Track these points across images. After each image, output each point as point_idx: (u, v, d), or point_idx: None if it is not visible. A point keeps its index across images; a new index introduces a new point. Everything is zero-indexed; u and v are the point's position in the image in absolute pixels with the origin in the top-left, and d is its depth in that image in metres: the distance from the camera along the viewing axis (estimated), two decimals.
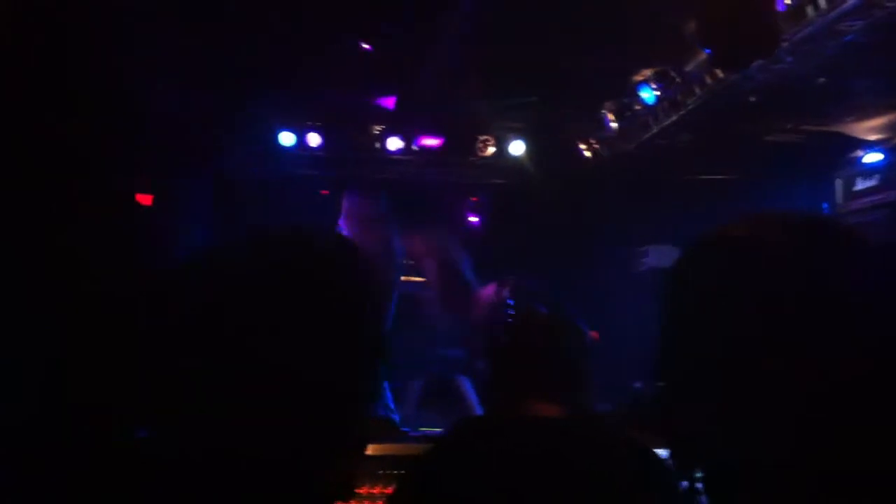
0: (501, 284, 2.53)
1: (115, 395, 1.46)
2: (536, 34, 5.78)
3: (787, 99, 6.01)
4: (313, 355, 1.06)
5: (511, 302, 2.32)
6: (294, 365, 1.05)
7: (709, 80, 6.20)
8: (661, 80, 6.58)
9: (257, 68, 5.97)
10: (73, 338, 1.53)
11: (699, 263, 1.13)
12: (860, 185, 6.40)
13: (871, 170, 6.30)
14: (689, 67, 6.32)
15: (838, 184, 6.55)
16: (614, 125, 7.15)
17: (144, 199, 6.01)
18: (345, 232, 4.05)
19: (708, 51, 5.37)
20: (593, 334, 2.35)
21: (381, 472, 3.49)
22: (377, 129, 7.45)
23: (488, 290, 2.56)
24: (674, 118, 6.67)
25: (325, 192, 7.67)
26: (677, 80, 6.43)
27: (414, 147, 7.51)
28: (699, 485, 1.09)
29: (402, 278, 7.53)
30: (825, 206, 6.50)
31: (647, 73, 6.46)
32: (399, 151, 7.50)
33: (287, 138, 7.29)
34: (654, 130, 6.88)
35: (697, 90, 6.32)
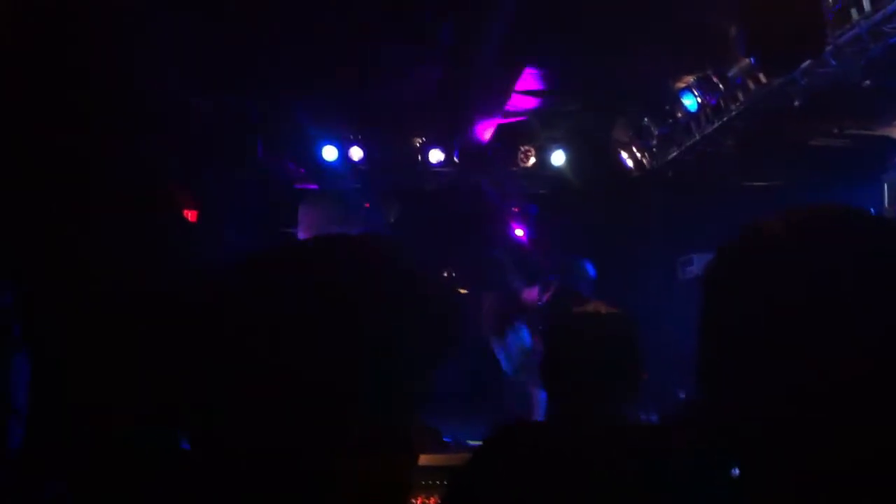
0: (545, 286, 2.53)
1: (124, 394, 1.48)
2: (577, 43, 5.77)
3: (832, 103, 5.92)
4: (312, 355, 1.06)
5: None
6: (294, 365, 1.05)
7: (752, 86, 6.14)
8: (703, 87, 6.53)
9: (300, 77, 6.01)
10: (86, 338, 1.55)
11: (734, 266, 1.11)
12: None
13: None
14: (731, 73, 6.27)
15: (886, 187, 6.45)
16: (656, 132, 7.10)
17: (191, 215, 6.07)
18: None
19: (752, 58, 5.33)
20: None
21: (423, 482, 3.48)
22: (418, 141, 7.48)
23: (532, 293, 2.56)
24: (717, 124, 6.61)
25: (367, 204, 7.71)
26: (720, 86, 6.38)
27: (455, 159, 7.52)
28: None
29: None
30: (872, 210, 6.39)
31: (689, 79, 6.42)
32: (440, 164, 7.52)
33: (330, 153, 7.34)
34: (697, 137, 6.83)
35: (741, 96, 6.26)
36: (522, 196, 7.95)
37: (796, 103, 5.86)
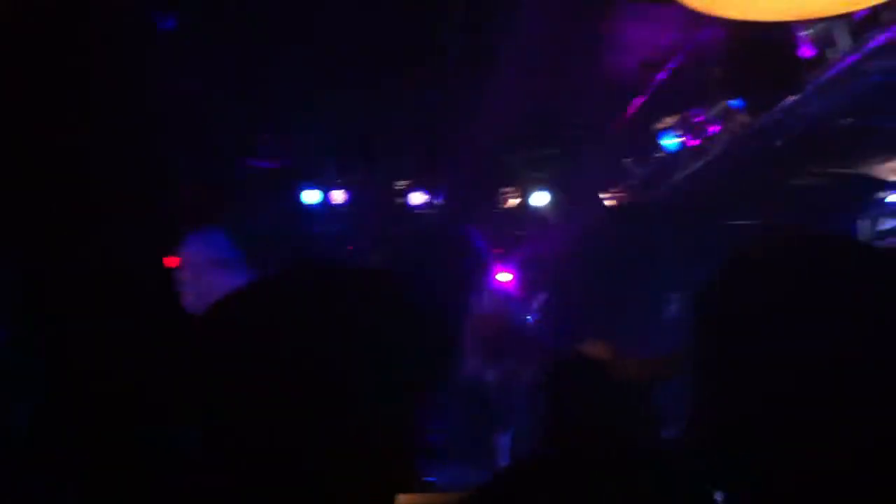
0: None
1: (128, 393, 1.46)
2: (554, 85, 5.83)
3: (813, 142, 5.99)
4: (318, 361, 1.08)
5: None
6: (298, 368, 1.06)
7: (732, 126, 6.21)
8: (683, 128, 6.59)
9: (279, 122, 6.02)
10: (91, 337, 1.54)
11: (723, 284, 1.15)
12: (885, 224, 6.38)
13: None
14: (711, 114, 6.33)
15: (862, 225, 6.52)
16: (638, 173, 7.15)
17: (172, 262, 6.00)
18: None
19: (732, 102, 5.40)
20: None
21: None
22: (400, 184, 7.50)
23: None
24: (697, 165, 6.67)
25: (350, 247, 7.70)
26: (699, 126, 6.45)
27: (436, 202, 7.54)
28: None
29: None
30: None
31: (669, 120, 6.48)
32: (423, 206, 7.53)
33: (312, 196, 7.33)
34: (678, 178, 6.87)
35: (721, 136, 6.32)
36: (505, 238, 7.98)
37: (777, 143, 5.93)
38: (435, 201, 7.50)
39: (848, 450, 0.99)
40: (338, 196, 7.37)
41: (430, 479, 5.14)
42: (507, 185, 7.59)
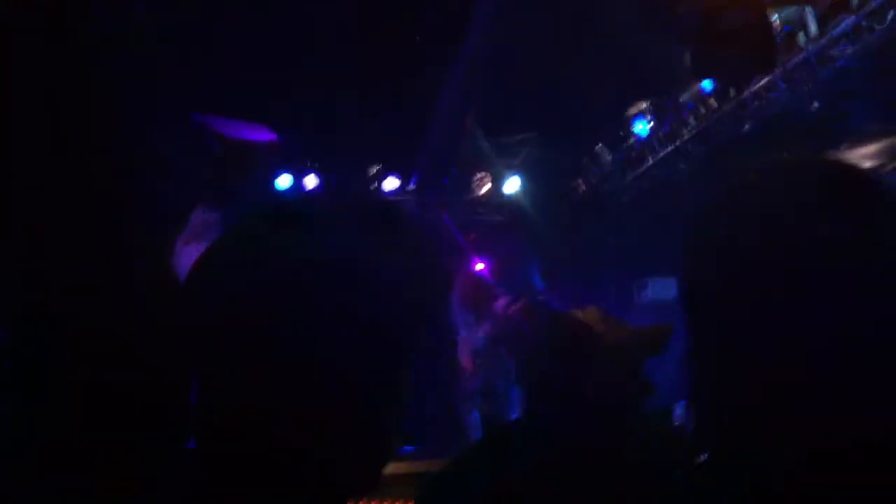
0: (513, 300, 2.53)
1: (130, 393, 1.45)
2: (531, 72, 5.85)
3: (782, 127, 6.05)
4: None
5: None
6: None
7: (703, 111, 6.26)
8: (654, 113, 6.64)
9: (255, 108, 5.99)
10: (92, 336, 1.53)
11: (708, 224, 1.11)
12: None
13: None
14: (682, 99, 6.39)
15: None
16: (609, 159, 7.19)
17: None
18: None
19: (703, 86, 5.44)
20: None
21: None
22: (374, 169, 7.49)
23: (500, 304, 2.56)
24: (669, 149, 6.72)
25: None
26: (671, 111, 6.50)
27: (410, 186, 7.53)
28: None
29: None
30: None
31: (642, 105, 6.52)
32: (395, 191, 7.52)
33: (284, 181, 7.29)
34: (650, 163, 6.92)
35: (692, 121, 6.37)
36: (478, 224, 7.97)
37: (746, 127, 5.99)
38: (407, 188, 7.49)
39: (850, 440, 0.95)
40: (310, 181, 7.33)
41: (408, 448, 5.13)
42: (478, 171, 7.60)
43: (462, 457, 2.18)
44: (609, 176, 7.35)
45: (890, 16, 4.54)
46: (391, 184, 7.47)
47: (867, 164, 6.49)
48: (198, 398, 1.07)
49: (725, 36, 4.36)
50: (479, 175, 7.60)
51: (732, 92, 5.81)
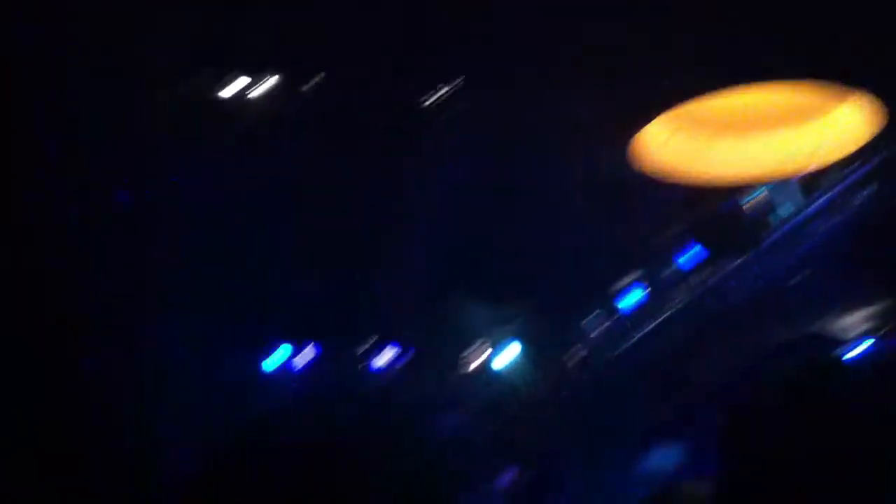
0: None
1: None
2: (511, 247, 6.00)
3: (764, 301, 6.19)
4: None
5: None
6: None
7: (684, 288, 6.41)
8: (638, 289, 6.78)
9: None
10: None
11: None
12: None
13: None
14: (664, 276, 6.55)
15: None
16: (596, 334, 7.26)
17: None
18: None
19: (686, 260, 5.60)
20: None
21: None
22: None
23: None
24: (652, 325, 6.82)
25: None
26: (654, 289, 6.64)
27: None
28: None
29: None
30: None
31: (627, 279, 6.66)
32: (386, 368, 7.48)
33: (273, 362, 7.24)
34: (636, 338, 7.00)
35: (675, 298, 6.51)
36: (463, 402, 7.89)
37: (730, 301, 6.12)
38: (400, 361, 7.44)
39: None
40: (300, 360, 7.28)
41: None
42: (469, 346, 7.61)
43: None
44: (596, 350, 7.40)
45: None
46: (384, 358, 7.43)
47: (851, 335, 6.61)
48: None
49: (712, 218, 4.55)
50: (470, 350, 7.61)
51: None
